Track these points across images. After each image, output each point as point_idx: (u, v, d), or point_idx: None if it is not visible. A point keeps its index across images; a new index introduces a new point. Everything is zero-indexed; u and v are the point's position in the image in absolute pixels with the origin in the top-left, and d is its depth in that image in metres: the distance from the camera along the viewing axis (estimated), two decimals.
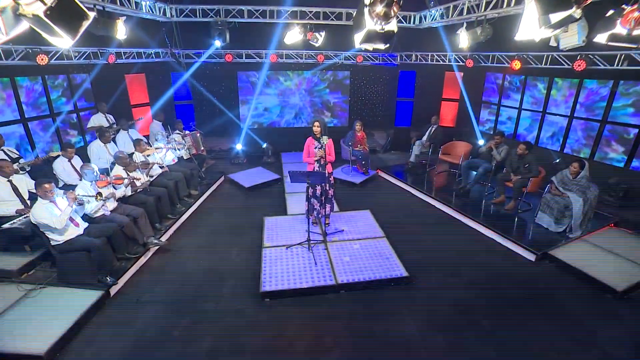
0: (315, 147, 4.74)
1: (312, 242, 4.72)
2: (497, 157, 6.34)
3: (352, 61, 9.11)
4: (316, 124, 4.67)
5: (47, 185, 3.61)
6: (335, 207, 5.93)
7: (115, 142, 6.41)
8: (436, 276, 4.38)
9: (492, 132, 8.65)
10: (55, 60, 5.74)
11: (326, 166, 4.78)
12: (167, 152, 6.10)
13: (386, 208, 6.20)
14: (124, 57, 7.04)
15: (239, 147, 9.13)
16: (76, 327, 3.39)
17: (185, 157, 6.82)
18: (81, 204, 3.81)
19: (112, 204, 4.50)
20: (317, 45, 7.23)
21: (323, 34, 7.11)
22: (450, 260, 4.71)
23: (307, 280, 4.09)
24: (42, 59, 5.31)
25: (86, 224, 4.03)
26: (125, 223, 4.31)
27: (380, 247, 4.78)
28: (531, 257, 4.69)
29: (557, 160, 6.93)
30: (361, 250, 4.70)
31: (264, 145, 9.31)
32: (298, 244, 4.79)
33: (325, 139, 4.46)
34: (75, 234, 3.81)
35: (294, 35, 7.05)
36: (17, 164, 4.99)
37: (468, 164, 6.72)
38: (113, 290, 3.99)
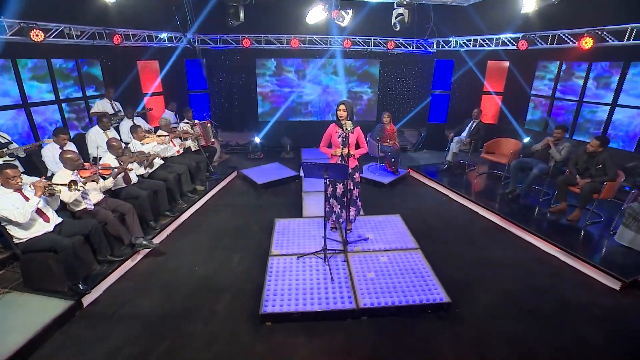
0: (339, 136, 3.88)
1: (329, 251, 3.87)
2: (556, 157, 5.23)
3: (382, 48, 8.18)
4: (341, 107, 3.78)
5: (8, 171, 3.00)
6: (361, 211, 5.06)
7: (118, 131, 5.90)
8: (485, 303, 3.40)
9: (541, 129, 7.47)
10: (54, 38, 5.24)
11: (349, 160, 3.92)
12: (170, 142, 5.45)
13: (420, 213, 5.25)
14: (133, 40, 6.50)
15: (257, 140, 8.44)
16: (31, 346, 2.74)
17: (193, 149, 6.18)
18: (52, 194, 3.17)
19: (97, 197, 3.87)
20: (343, 24, 6.38)
21: (350, 12, 6.26)
22: (503, 282, 3.71)
23: (319, 301, 3.24)
24: (37, 35, 4.81)
25: (59, 219, 3.40)
26: (108, 220, 3.66)
27: (413, 261, 3.85)
28: (614, 284, 3.59)
29: (633, 164, 5.68)
30: (389, 264, 3.80)
31: (282, 140, 8.59)
32: (312, 253, 3.96)
33: (349, 125, 3.58)
34: (42, 230, 3.18)
35: (317, 14, 6.24)
36: (6, 149, 4.53)
37: (518, 164, 5.63)
38: (87, 300, 3.33)
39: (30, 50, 5.62)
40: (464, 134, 6.93)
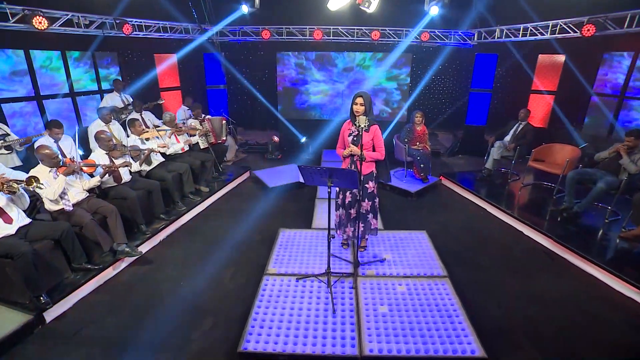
0: (350, 134, 3.22)
1: (334, 274, 3.20)
2: (630, 168, 4.19)
3: (415, 41, 7.36)
4: (359, 100, 3.08)
5: None
6: (379, 224, 4.33)
7: (125, 125, 5.59)
8: None
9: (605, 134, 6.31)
10: (60, 26, 5.00)
11: (362, 164, 3.25)
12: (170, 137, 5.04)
13: (450, 230, 4.43)
14: (146, 31, 6.21)
15: (275, 139, 7.95)
16: None
17: (201, 146, 5.75)
18: (12, 192, 2.78)
19: (77, 196, 3.47)
20: (369, 11, 5.64)
21: None
22: (559, 329, 2.84)
23: (315, 340, 2.58)
24: (40, 22, 4.57)
25: (27, 221, 3.01)
26: (84, 223, 3.24)
27: (438, 293, 3.09)
28: None
29: None
30: (408, 296, 3.06)
31: (303, 140, 8.03)
32: (314, 275, 3.31)
33: (362, 121, 2.89)
34: (2, 233, 2.79)
35: None
36: (3, 141, 4.31)
37: (577, 175, 4.62)
38: (52, 314, 2.91)
39: (43, 40, 5.48)
40: (507, 137, 5.97)
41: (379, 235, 4.07)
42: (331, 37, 7.25)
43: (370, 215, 3.46)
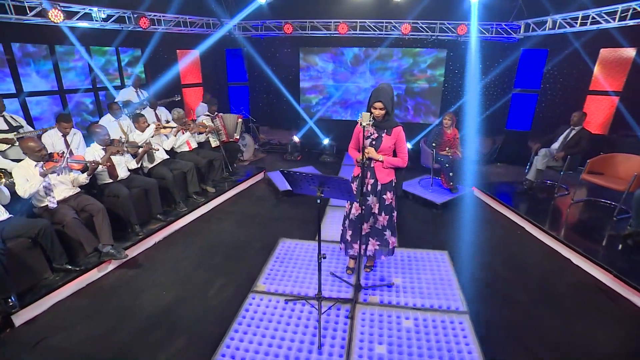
0: (368, 137, 2.72)
1: (329, 299, 2.73)
2: None
3: (451, 35, 6.65)
4: (378, 104, 2.58)
5: None
6: (394, 250, 3.77)
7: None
8: None
9: None
10: (78, 20, 4.98)
11: (377, 170, 2.76)
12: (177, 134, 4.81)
13: (478, 252, 3.74)
14: (165, 25, 6.11)
15: (296, 139, 7.60)
16: None
17: (213, 144, 5.50)
18: None
19: (64, 192, 3.30)
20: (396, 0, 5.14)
21: None
22: None
23: None
24: (56, 16, 4.55)
25: (5, 216, 2.85)
26: (66, 221, 3.04)
27: (454, 335, 2.49)
28: None
29: None
30: (414, 335, 2.50)
31: (325, 142, 7.60)
32: (305, 298, 2.84)
33: (366, 118, 2.38)
34: None
35: None
36: (16, 132, 4.32)
37: None
38: (23, 317, 2.72)
39: (64, 37, 5.51)
40: (556, 145, 5.11)
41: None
42: (357, 32, 6.75)
43: (387, 232, 2.90)
